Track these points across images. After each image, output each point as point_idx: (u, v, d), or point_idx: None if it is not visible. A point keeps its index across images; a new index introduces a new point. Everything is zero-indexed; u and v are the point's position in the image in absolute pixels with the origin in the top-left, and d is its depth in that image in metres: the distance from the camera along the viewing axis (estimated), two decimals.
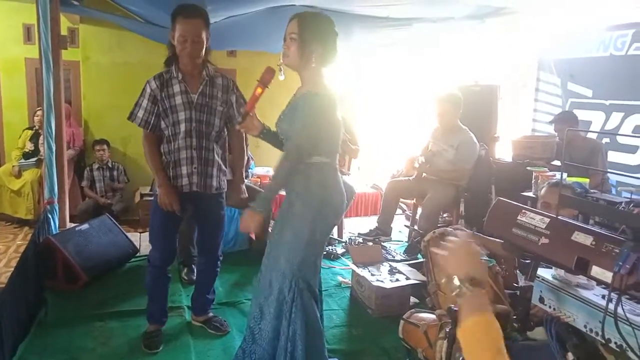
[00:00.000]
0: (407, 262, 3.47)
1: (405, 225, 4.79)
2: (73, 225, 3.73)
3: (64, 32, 3.82)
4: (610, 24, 4.25)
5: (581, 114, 4.23)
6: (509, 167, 4.26)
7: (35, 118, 5.19)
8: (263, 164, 5.03)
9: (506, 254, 2.41)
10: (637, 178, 3.77)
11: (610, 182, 3.79)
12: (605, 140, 4.14)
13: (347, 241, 4.14)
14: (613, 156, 4.10)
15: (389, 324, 2.75)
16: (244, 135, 2.60)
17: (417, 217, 4.13)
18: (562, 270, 1.47)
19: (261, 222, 1.99)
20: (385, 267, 3.21)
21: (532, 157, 4.04)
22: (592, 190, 2.49)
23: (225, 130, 2.54)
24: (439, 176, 3.93)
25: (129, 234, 3.88)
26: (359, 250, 3.43)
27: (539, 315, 1.98)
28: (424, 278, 2.90)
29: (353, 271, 3.20)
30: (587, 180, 2.99)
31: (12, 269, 2.93)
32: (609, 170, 3.86)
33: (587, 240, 1.28)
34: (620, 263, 1.16)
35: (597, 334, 1.29)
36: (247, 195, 2.58)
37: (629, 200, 1.65)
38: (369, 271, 3.12)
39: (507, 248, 1.62)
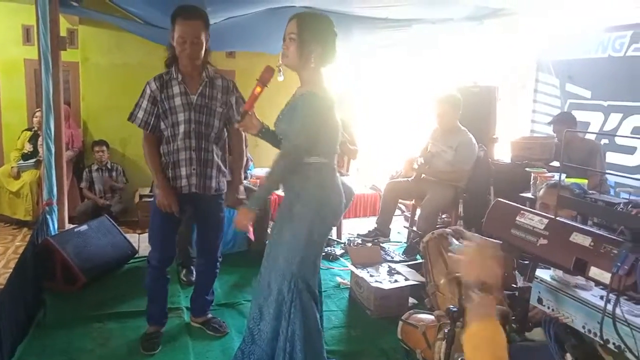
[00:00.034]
0: (406, 263, 3.47)
1: (404, 226, 4.79)
2: (72, 226, 3.73)
3: (63, 33, 3.82)
4: (608, 25, 4.25)
5: (580, 115, 4.23)
6: (507, 168, 4.26)
7: (34, 119, 5.18)
8: (262, 165, 5.02)
9: (505, 255, 2.41)
10: (636, 179, 3.77)
11: (608, 183, 3.80)
12: (604, 141, 4.15)
13: (346, 242, 4.14)
14: (611, 157, 4.11)
15: (387, 325, 2.75)
16: (243, 136, 2.60)
17: (416, 218, 4.13)
18: (561, 271, 1.47)
19: (254, 219, 2.00)
20: (384, 268, 3.21)
21: (530, 158, 4.05)
22: (590, 191, 2.49)
23: (225, 131, 2.54)
24: (437, 177, 3.94)
25: (127, 235, 3.88)
26: (357, 251, 3.43)
27: (537, 317, 1.98)
28: (422, 279, 2.91)
29: (352, 272, 3.20)
30: (586, 181, 3.00)
31: (11, 270, 2.93)
32: (607, 171, 3.86)
33: (585, 241, 1.28)
34: (619, 264, 1.16)
35: (595, 334, 1.29)
36: (245, 196, 2.59)
37: (627, 201, 1.64)
38: (368, 272, 3.12)
39: (506, 249, 1.62)
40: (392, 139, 6.49)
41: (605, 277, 1.20)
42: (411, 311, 2.47)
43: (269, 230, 3.35)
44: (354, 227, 4.71)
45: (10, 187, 5.08)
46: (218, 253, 2.70)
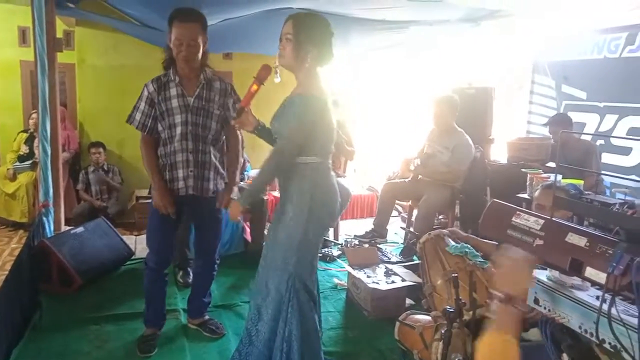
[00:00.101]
0: (403, 264, 3.47)
1: (401, 227, 4.80)
2: (68, 228, 3.72)
3: (59, 34, 3.80)
4: (604, 27, 4.28)
5: (575, 116, 4.25)
6: (504, 168, 4.27)
7: (31, 121, 5.17)
8: (259, 166, 5.02)
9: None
10: (631, 180, 3.79)
11: (604, 184, 3.81)
12: (600, 142, 4.16)
13: (343, 243, 4.14)
14: (607, 158, 4.13)
15: (384, 325, 2.75)
16: (240, 138, 2.60)
17: (413, 218, 4.14)
18: (557, 272, 1.48)
19: (244, 212, 2.04)
20: (381, 269, 3.21)
21: (526, 159, 4.06)
22: (586, 192, 2.50)
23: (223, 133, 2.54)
24: (434, 178, 3.95)
25: (124, 237, 3.88)
26: (354, 252, 3.43)
27: (535, 318, 1.99)
28: (419, 280, 2.91)
29: (349, 273, 3.20)
30: (582, 182, 3.01)
31: (7, 272, 2.92)
32: (603, 172, 3.88)
33: (581, 241, 1.28)
34: (614, 264, 1.16)
35: (591, 334, 1.29)
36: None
37: (622, 201, 1.65)
38: (365, 273, 3.12)
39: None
40: (389, 140, 6.50)
41: (601, 277, 1.20)
42: (408, 312, 2.47)
43: (265, 232, 3.35)
44: (350, 228, 4.72)
45: (6, 189, 5.06)
46: (216, 255, 2.70)
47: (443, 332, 1.88)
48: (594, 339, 1.29)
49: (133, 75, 5.14)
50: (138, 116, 2.39)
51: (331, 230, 4.38)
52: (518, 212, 1.51)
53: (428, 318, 2.29)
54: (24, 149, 5.23)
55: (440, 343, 1.92)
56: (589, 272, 1.23)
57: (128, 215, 5.43)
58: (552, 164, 3.94)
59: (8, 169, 5.11)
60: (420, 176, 4.07)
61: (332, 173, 2.12)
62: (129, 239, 4.05)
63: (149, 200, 2.57)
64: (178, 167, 2.42)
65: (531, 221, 1.44)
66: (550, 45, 4.82)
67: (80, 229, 3.51)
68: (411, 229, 4.04)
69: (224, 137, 2.56)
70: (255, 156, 4.99)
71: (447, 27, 4.63)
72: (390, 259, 3.72)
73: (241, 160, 2.72)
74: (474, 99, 4.65)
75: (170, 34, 2.30)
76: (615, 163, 4.10)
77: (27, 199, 5.00)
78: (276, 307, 2.04)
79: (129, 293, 3.13)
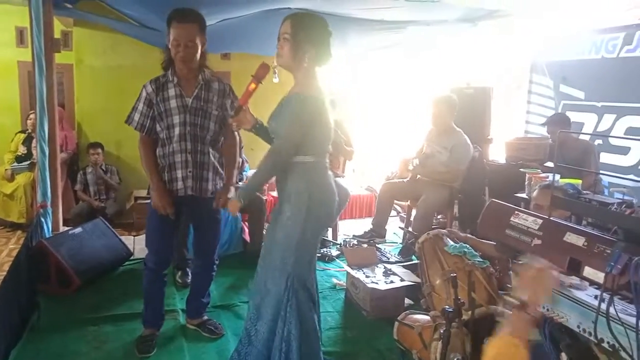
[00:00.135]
0: (402, 264, 3.48)
1: (399, 227, 4.80)
2: (66, 228, 3.71)
3: (57, 35, 3.81)
4: (601, 27, 4.29)
5: (574, 116, 4.26)
6: (502, 168, 4.28)
7: (28, 121, 5.16)
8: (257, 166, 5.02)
9: (499, 255, 2.42)
10: (629, 179, 3.80)
11: (602, 183, 3.82)
12: (598, 141, 4.17)
13: (342, 243, 4.14)
14: (605, 157, 4.13)
15: (383, 325, 2.75)
16: (237, 138, 2.60)
17: (412, 218, 4.14)
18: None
19: (241, 207, 2.05)
20: (379, 269, 3.21)
21: (525, 159, 4.06)
22: (584, 192, 2.51)
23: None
24: (433, 178, 3.95)
25: (122, 237, 3.87)
26: (353, 252, 3.43)
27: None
28: (418, 280, 2.91)
29: (348, 273, 3.20)
30: (580, 181, 3.01)
31: (5, 273, 2.92)
32: (601, 171, 3.88)
33: (579, 241, 1.29)
34: (612, 263, 1.17)
35: (590, 334, 1.30)
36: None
37: (621, 201, 1.66)
38: (364, 273, 3.12)
39: (500, 249, 1.63)
40: (388, 140, 6.50)
41: (599, 276, 1.21)
42: (407, 312, 2.47)
43: (264, 232, 3.35)
44: (349, 228, 4.72)
45: (4, 190, 5.05)
46: (215, 255, 2.70)
47: (442, 331, 1.88)
48: (592, 338, 1.29)
49: (131, 76, 5.14)
50: (136, 117, 2.39)
51: (330, 230, 4.38)
52: (516, 212, 1.52)
53: (427, 318, 2.30)
54: (22, 150, 5.21)
55: (439, 343, 1.93)
56: (588, 271, 1.24)
57: (126, 215, 5.42)
58: (550, 164, 3.95)
59: (6, 170, 5.09)
60: (418, 176, 4.07)
61: (330, 172, 2.12)
62: (128, 240, 4.04)
63: (148, 201, 2.57)
64: (177, 168, 2.42)
65: (529, 221, 1.45)
66: (549, 45, 4.83)
67: (78, 230, 3.50)
68: (410, 229, 4.05)
69: (223, 137, 2.55)
70: (253, 157, 4.99)
71: (445, 27, 4.63)
72: (389, 259, 3.72)
73: (239, 160, 2.72)
74: (473, 99, 4.66)
75: (169, 34, 2.30)
76: (614, 163, 4.11)
77: (25, 199, 4.98)
78: (275, 307, 2.04)
79: (128, 293, 3.12)
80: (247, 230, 4.07)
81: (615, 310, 1.21)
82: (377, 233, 4.20)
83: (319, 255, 3.72)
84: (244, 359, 2.13)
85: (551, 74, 4.80)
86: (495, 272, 2.40)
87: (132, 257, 3.72)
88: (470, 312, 2.02)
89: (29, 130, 5.14)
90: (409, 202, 4.28)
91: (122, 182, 5.57)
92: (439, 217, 4.57)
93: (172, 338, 2.68)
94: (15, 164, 5.15)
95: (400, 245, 4.20)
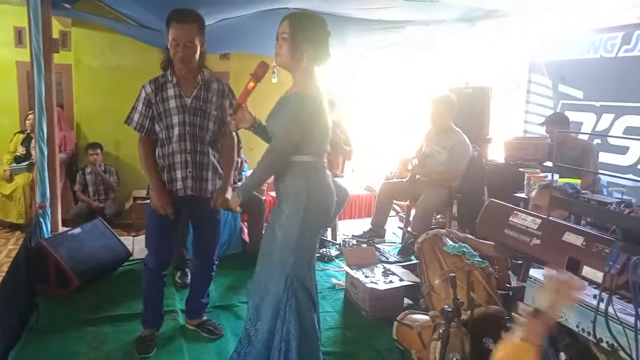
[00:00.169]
0: (401, 264, 3.48)
1: (398, 227, 4.80)
2: (65, 229, 3.71)
3: (55, 35, 3.80)
4: (600, 27, 4.29)
5: (572, 116, 4.26)
6: (501, 168, 4.28)
7: (27, 122, 5.15)
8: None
9: (498, 255, 2.43)
10: (628, 179, 3.80)
11: (601, 183, 3.82)
12: (597, 141, 4.18)
13: (341, 243, 4.14)
14: (604, 157, 4.14)
15: (383, 325, 2.75)
16: (236, 138, 2.60)
17: (411, 218, 4.14)
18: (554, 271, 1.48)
19: (241, 202, 2.05)
20: (379, 269, 3.21)
21: (524, 159, 4.07)
22: (583, 191, 2.51)
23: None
24: (432, 178, 3.95)
25: (122, 238, 3.87)
26: (352, 252, 3.43)
27: None
28: (417, 279, 2.91)
29: (347, 273, 3.20)
30: (579, 181, 3.01)
31: (4, 273, 2.91)
32: (600, 171, 3.89)
33: (578, 240, 1.29)
34: (611, 263, 1.17)
35: (589, 333, 1.30)
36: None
37: (619, 200, 1.66)
38: (363, 273, 3.12)
39: (499, 249, 1.63)
40: (387, 139, 6.50)
41: (598, 276, 1.21)
42: (406, 312, 2.47)
43: (264, 232, 3.34)
44: (348, 228, 4.71)
45: (2, 190, 5.05)
46: (214, 255, 2.70)
47: (441, 331, 1.88)
48: (591, 337, 1.29)
49: (130, 76, 5.13)
50: (136, 117, 2.39)
51: (329, 230, 4.38)
52: (515, 212, 1.52)
53: (426, 318, 2.29)
54: (21, 150, 5.21)
55: (439, 343, 1.93)
56: (586, 271, 1.24)
57: (125, 216, 5.42)
58: (549, 164, 3.95)
59: (5, 170, 5.09)
60: (417, 176, 4.07)
61: (328, 172, 2.12)
62: (127, 240, 4.03)
63: (147, 201, 2.56)
64: (176, 168, 2.41)
65: (528, 220, 1.45)
66: (547, 45, 4.83)
67: (77, 230, 3.50)
68: (409, 229, 4.05)
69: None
70: (252, 157, 4.99)
71: (444, 27, 4.63)
72: (388, 259, 3.72)
73: (238, 160, 2.72)
74: (471, 99, 4.66)
75: (168, 35, 2.30)
76: (612, 162, 4.11)
77: (24, 200, 4.98)
78: (275, 306, 2.04)
79: (127, 294, 3.12)
80: (246, 230, 4.06)
81: (614, 310, 1.22)
82: (376, 233, 4.20)
83: (318, 255, 3.72)
84: (244, 359, 2.13)
85: (550, 74, 4.81)
86: (495, 272, 2.40)
87: (131, 258, 3.72)
88: (469, 312, 2.02)
89: (28, 131, 5.14)
90: (408, 202, 4.29)
91: (121, 183, 5.57)
92: (438, 217, 4.57)
93: (171, 338, 2.68)
94: (14, 164, 5.14)
95: (400, 245, 4.20)
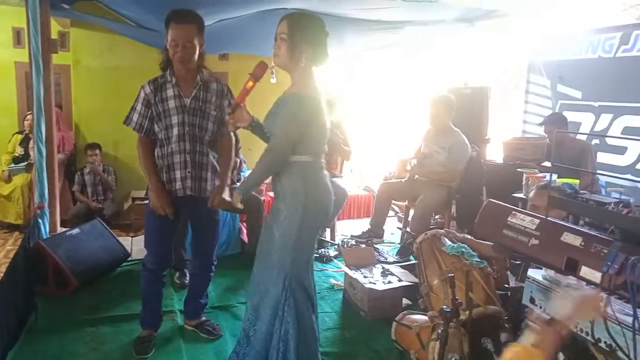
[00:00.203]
0: (400, 264, 3.48)
1: (397, 227, 4.80)
2: (64, 229, 3.71)
3: (54, 35, 3.79)
4: (598, 27, 4.30)
5: (571, 116, 4.26)
6: (499, 168, 4.28)
7: (25, 122, 5.15)
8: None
9: (497, 256, 2.43)
10: (626, 179, 3.81)
11: (600, 183, 3.82)
12: (595, 141, 4.18)
13: (340, 243, 4.14)
14: (602, 157, 4.14)
15: (381, 326, 2.75)
16: (234, 139, 2.60)
17: (409, 218, 4.14)
18: (552, 271, 1.48)
19: (241, 200, 2.05)
20: (377, 269, 3.21)
21: (522, 159, 4.07)
22: (582, 191, 2.51)
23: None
24: (430, 178, 3.95)
25: (120, 238, 3.87)
26: (351, 253, 3.43)
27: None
28: (416, 280, 2.91)
29: (345, 273, 3.20)
30: (577, 181, 3.02)
31: (2, 274, 2.91)
32: (598, 171, 3.89)
33: (576, 240, 1.29)
34: (609, 263, 1.17)
35: (587, 333, 1.30)
36: (230, 199, 2.57)
37: (618, 200, 1.66)
38: (362, 273, 3.12)
39: (498, 249, 1.63)
40: (386, 140, 6.50)
41: (596, 276, 1.21)
42: (405, 312, 2.47)
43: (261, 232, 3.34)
44: (347, 228, 4.72)
45: (1, 191, 5.04)
46: (213, 256, 2.69)
47: (440, 332, 1.88)
48: (589, 338, 1.29)
49: (128, 76, 5.13)
50: (135, 117, 2.39)
51: (328, 230, 4.38)
52: (514, 212, 1.52)
53: (425, 318, 2.30)
54: (19, 151, 5.20)
55: (437, 343, 1.93)
56: (584, 271, 1.24)
57: (124, 216, 5.42)
58: (547, 164, 3.96)
59: (3, 171, 5.08)
60: (416, 176, 4.07)
61: (325, 172, 2.12)
62: (125, 240, 4.03)
63: (146, 202, 2.56)
64: (175, 168, 2.41)
65: (527, 221, 1.45)
66: (546, 45, 4.84)
67: (76, 231, 3.49)
68: (408, 229, 4.05)
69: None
70: (251, 157, 4.98)
71: (442, 27, 4.64)
72: (386, 259, 3.72)
73: (236, 160, 2.72)
74: (470, 99, 4.66)
75: (167, 35, 2.30)
76: (611, 162, 4.11)
77: (22, 200, 4.98)
78: (273, 306, 2.04)
79: (125, 294, 3.12)
80: (245, 231, 4.06)
81: (612, 310, 1.22)
82: (375, 233, 4.20)
83: (317, 255, 3.72)
84: (243, 359, 2.13)
85: (548, 74, 4.81)
86: (493, 272, 2.40)
87: (129, 258, 3.71)
88: (467, 312, 2.03)
89: (26, 131, 5.13)
90: (406, 202, 4.29)
91: (119, 183, 5.56)
92: (436, 217, 4.57)
93: (170, 339, 2.67)
94: (13, 165, 5.14)
95: (398, 246, 4.20)
